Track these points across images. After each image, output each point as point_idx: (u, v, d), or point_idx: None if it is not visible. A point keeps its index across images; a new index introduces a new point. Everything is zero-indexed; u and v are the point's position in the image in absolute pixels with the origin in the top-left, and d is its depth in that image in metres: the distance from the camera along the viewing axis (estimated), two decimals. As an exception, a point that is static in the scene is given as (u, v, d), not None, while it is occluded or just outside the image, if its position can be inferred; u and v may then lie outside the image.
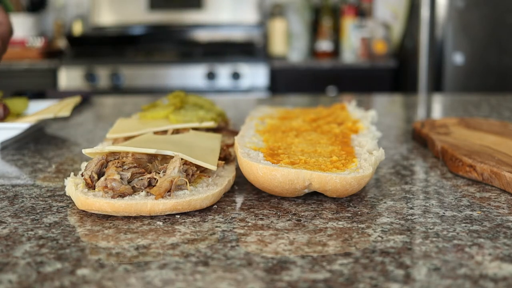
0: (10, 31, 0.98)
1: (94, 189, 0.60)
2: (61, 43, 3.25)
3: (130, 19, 3.30)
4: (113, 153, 0.65)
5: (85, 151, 0.65)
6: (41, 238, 0.53)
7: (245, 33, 3.31)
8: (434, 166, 0.80)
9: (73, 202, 0.64)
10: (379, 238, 0.53)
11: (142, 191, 0.60)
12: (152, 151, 0.63)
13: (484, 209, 0.61)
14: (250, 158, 0.64)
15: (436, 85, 2.78)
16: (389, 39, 3.15)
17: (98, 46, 3.08)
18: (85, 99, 1.46)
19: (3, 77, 2.91)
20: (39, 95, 1.44)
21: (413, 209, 0.61)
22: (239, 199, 0.66)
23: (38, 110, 1.05)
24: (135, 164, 0.62)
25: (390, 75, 3.03)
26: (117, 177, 0.59)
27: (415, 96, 1.83)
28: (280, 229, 0.55)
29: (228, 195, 0.67)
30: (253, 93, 2.88)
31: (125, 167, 0.61)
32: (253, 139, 0.72)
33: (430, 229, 0.55)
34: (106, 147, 0.64)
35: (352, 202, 0.64)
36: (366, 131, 0.78)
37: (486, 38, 2.69)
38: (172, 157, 0.64)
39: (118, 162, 0.61)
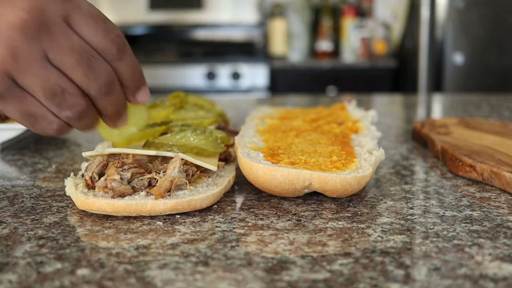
0: None
1: (94, 189, 0.60)
2: (61, 43, 3.24)
3: (130, 19, 3.30)
4: (113, 154, 0.65)
5: (85, 154, 0.65)
6: (41, 238, 0.53)
7: (245, 33, 3.31)
8: (434, 166, 0.80)
9: (73, 202, 0.64)
10: (379, 238, 0.53)
11: (142, 191, 0.60)
12: (152, 152, 0.63)
13: (484, 209, 0.61)
14: (250, 158, 0.64)
15: (436, 85, 2.78)
16: (389, 39, 3.15)
17: (98, 46, 3.07)
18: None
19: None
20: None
21: (413, 209, 0.61)
22: (239, 199, 0.66)
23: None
24: (135, 165, 0.62)
25: (390, 75, 3.03)
26: (117, 177, 0.59)
27: (415, 96, 1.83)
28: (280, 229, 0.56)
29: (228, 195, 0.67)
30: (253, 93, 2.88)
31: (125, 167, 0.61)
32: (253, 139, 0.72)
33: (430, 229, 0.55)
34: (106, 149, 0.64)
35: (352, 202, 0.64)
36: (366, 131, 0.78)
37: (486, 38, 2.69)
38: (172, 157, 0.64)
39: (118, 163, 0.61)
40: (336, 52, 3.21)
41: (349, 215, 0.60)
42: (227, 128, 0.87)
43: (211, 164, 0.64)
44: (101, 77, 0.52)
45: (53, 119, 0.52)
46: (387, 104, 1.58)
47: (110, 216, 0.59)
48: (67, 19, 0.50)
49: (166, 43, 3.17)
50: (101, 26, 0.52)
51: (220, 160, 0.70)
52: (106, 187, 0.59)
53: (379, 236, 0.53)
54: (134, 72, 0.56)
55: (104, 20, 0.53)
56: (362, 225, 0.56)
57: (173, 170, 0.60)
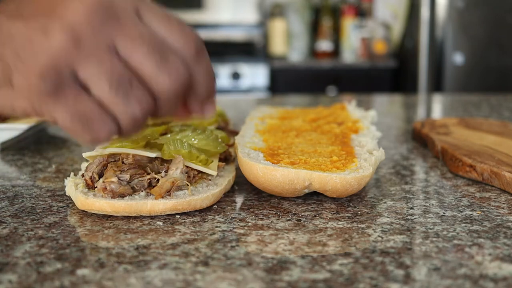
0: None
1: (94, 189, 0.60)
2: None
3: (130, 19, 3.30)
4: (113, 154, 0.65)
5: (85, 155, 0.65)
6: (41, 238, 0.53)
7: (245, 33, 3.31)
8: (434, 166, 0.80)
9: (73, 202, 0.64)
10: (379, 238, 0.53)
11: (142, 191, 0.60)
12: (152, 154, 0.63)
13: (484, 209, 0.61)
14: (250, 158, 0.64)
15: (436, 85, 2.78)
16: (389, 39, 3.15)
17: (98, 46, 3.07)
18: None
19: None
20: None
21: (413, 209, 0.61)
22: (239, 199, 0.66)
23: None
24: (134, 165, 0.61)
25: (390, 75, 3.04)
26: (114, 179, 0.59)
27: (415, 96, 1.83)
28: (280, 229, 0.56)
29: (228, 195, 0.67)
30: (253, 93, 2.88)
31: (125, 168, 0.61)
32: (253, 139, 0.72)
33: (430, 229, 0.55)
34: (107, 149, 0.64)
35: (352, 202, 0.64)
36: (366, 131, 0.78)
37: (486, 38, 2.69)
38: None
39: (117, 164, 0.61)
40: (336, 52, 3.21)
41: (349, 215, 0.60)
42: (227, 128, 0.87)
43: (211, 169, 0.64)
44: (175, 73, 0.45)
45: (108, 120, 0.45)
46: (387, 104, 1.58)
47: (110, 216, 0.59)
48: (137, 11, 0.45)
49: (166, 43, 3.16)
50: (175, 23, 0.46)
51: (220, 160, 0.70)
52: (105, 189, 0.59)
53: (379, 236, 0.53)
54: (209, 80, 0.50)
55: (178, 20, 0.47)
56: (362, 225, 0.56)
57: (175, 171, 0.60)
